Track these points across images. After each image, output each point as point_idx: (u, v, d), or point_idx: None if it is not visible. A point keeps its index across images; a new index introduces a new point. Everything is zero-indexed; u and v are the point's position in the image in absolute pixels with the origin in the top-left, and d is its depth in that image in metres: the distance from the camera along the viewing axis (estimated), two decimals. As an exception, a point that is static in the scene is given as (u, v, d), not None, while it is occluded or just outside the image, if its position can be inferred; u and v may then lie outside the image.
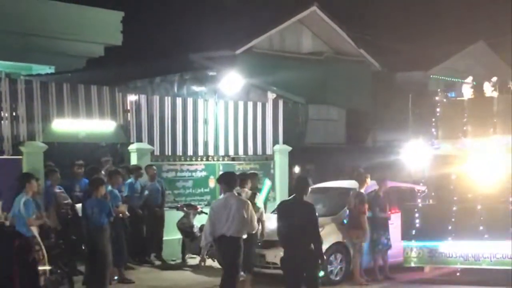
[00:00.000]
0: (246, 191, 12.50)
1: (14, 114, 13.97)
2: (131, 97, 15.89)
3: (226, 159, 17.42)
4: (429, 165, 14.06)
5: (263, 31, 21.85)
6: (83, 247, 12.20)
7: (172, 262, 15.22)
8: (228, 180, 10.72)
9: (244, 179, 12.74)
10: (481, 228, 12.78)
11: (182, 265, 14.94)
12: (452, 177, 13.46)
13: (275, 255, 12.50)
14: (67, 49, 22.27)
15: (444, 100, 14.05)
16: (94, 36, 23.10)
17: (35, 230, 11.00)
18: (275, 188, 17.63)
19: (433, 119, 13.98)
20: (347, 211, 13.51)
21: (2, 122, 13.85)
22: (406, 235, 13.47)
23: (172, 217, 15.25)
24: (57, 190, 13.43)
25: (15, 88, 14.00)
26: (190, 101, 16.88)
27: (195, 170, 16.76)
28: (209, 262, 13.77)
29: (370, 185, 13.70)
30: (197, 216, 15.16)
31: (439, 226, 13.17)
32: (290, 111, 20.09)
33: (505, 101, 13.46)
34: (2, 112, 13.87)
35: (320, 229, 10.02)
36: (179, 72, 17.44)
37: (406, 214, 13.63)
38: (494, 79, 13.91)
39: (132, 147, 15.75)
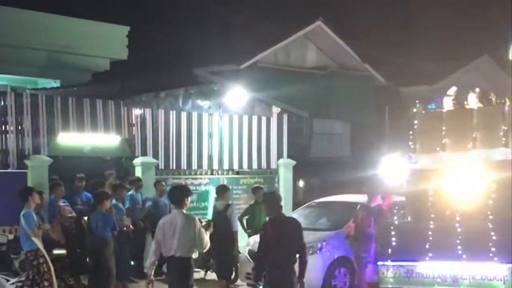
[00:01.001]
0: (222, 203, 12.55)
1: (19, 127, 14.05)
2: (136, 111, 15.94)
3: (230, 173, 17.45)
4: (407, 180, 13.16)
5: (268, 45, 21.94)
6: (87, 260, 12.21)
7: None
8: (174, 197, 9.70)
9: (221, 191, 12.78)
10: (459, 247, 11.91)
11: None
12: (429, 193, 12.59)
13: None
14: (72, 63, 22.37)
15: (423, 112, 13.18)
16: (100, 50, 23.20)
17: (39, 243, 11.02)
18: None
19: (410, 132, 13.10)
20: (352, 225, 13.47)
21: (8, 135, 13.93)
22: (381, 254, 12.61)
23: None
24: (61, 204, 13.45)
25: (21, 102, 14.10)
26: (195, 115, 16.93)
27: (200, 184, 16.79)
28: (213, 275, 13.76)
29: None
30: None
31: (416, 245, 12.28)
32: (295, 125, 20.13)
33: (484, 113, 12.60)
34: (7, 125, 13.95)
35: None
36: (184, 86, 17.49)
37: (382, 232, 12.81)
38: (477, 90, 13.13)
39: (137, 161, 15.78)
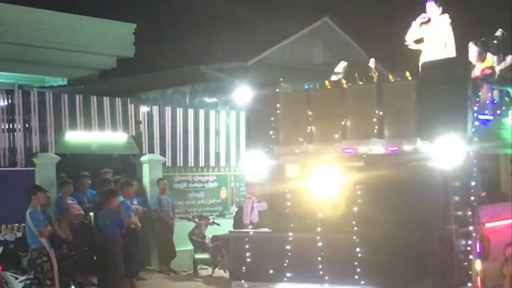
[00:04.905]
0: None
1: (27, 126, 14.06)
2: (143, 109, 15.96)
3: (237, 170, 17.44)
4: (268, 180, 10.72)
5: (275, 42, 21.88)
6: (95, 258, 12.24)
7: (184, 273, 15.23)
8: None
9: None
10: (320, 267, 9.28)
11: (193, 276, 14.94)
12: (288, 197, 9.97)
13: None
14: (79, 61, 22.36)
15: (288, 91, 10.53)
16: (107, 48, 23.18)
17: (44, 241, 11.05)
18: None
19: (272, 119, 10.26)
20: None
21: (15, 133, 13.95)
22: (234, 273, 10.21)
23: (184, 228, 15.27)
24: (69, 202, 13.49)
25: (28, 100, 14.11)
26: (202, 112, 16.92)
27: (207, 181, 16.80)
28: (221, 272, 13.79)
29: None
30: (209, 227, 15.18)
31: (274, 262, 9.68)
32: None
33: (356, 94, 9.82)
34: (15, 124, 13.97)
35: None
36: (191, 83, 17.51)
37: (235, 245, 10.26)
38: (343, 63, 10.91)
39: (144, 158, 15.80)
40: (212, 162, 17.00)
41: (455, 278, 8.80)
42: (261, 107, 10.65)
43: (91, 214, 13.63)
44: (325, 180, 9.69)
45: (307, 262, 9.42)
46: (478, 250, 8.90)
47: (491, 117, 9.49)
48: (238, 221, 13.22)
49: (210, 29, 23.78)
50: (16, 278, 11.64)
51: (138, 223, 13.31)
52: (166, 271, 15.01)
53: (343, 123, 9.64)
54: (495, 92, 9.65)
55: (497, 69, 10.49)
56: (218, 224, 15.11)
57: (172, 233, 15.23)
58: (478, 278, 8.89)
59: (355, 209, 9.32)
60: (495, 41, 10.70)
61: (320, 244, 9.34)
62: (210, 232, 15.00)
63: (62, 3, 22.71)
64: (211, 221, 15.27)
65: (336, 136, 9.64)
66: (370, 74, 10.32)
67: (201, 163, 16.82)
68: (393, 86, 9.57)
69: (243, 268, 9.86)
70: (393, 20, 10.81)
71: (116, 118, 15.29)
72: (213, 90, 17.77)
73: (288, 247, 9.56)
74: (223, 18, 25.21)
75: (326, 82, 10.38)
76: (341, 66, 10.91)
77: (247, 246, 9.90)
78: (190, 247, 15.18)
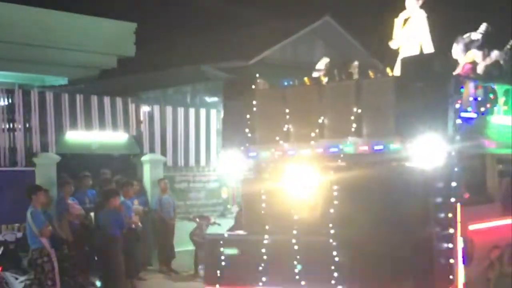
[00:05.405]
0: None
1: (27, 125, 14.03)
2: (144, 108, 15.92)
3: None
4: (242, 181, 10.49)
5: (276, 41, 21.84)
6: (96, 258, 12.20)
7: (185, 274, 15.18)
8: None
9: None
10: (296, 271, 8.95)
11: (194, 277, 14.88)
12: (263, 198, 9.58)
13: None
14: (80, 60, 22.33)
15: (265, 88, 10.19)
16: (107, 48, 23.14)
17: (45, 241, 11.01)
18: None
19: (248, 116, 9.91)
20: None
21: (16, 133, 13.91)
22: (208, 278, 9.83)
23: (185, 228, 15.22)
24: (70, 202, 13.44)
25: (28, 99, 14.08)
26: (203, 111, 16.87)
27: (208, 181, 16.75)
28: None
29: None
30: (210, 227, 15.11)
31: (249, 267, 9.32)
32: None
33: (334, 91, 9.45)
34: (15, 123, 13.93)
35: None
36: (192, 82, 17.46)
37: (209, 249, 9.95)
38: (325, 59, 10.63)
39: (145, 158, 15.75)
40: (213, 162, 16.94)
41: (435, 283, 8.39)
42: (236, 104, 10.19)
43: (92, 214, 13.58)
44: (302, 181, 9.37)
45: (283, 266, 9.10)
46: (461, 253, 8.46)
47: (474, 115, 9.03)
48: (239, 221, 13.15)
49: (211, 28, 23.76)
50: (17, 279, 11.60)
51: (139, 223, 13.26)
52: (167, 272, 14.97)
53: (320, 121, 9.30)
54: (479, 89, 9.24)
55: (482, 64, 10.13)
56: (219, 224, 15.05)
57: (173, 234, 15.18)
58: (461, 282, 8.44)
59: (332, 210, 8.95)
60: (479, 36, 10.39)
61: (296, 247, 9.02)
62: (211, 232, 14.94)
63: (63, 3, 22.69)
64: (212, 221, 15.20)
65: (313, 134, 9.31)
66: (349, 71, 9.91)
67: (202, 162, 16.77)
68: (372, 83, 9.18)
69: (218, 272, 9.55)
70: (395, 19, 10.71)
71: (117, 117, 15.25)
72: (214, 90, 17.72)
73: (263, 250, 9.24)
74: (224, 17, 25.20)
75: (305, 78, 10.10)
76: (322, 63, 10.63)
77: (221, 250, 9.54)
78: (191, 247, 15.12)
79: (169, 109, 16.30)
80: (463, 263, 8.47)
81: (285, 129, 9.61)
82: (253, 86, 10.08)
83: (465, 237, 8.53)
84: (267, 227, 9.37)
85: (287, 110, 9.58)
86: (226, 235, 10.04)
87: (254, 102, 9.88)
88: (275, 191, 9.52)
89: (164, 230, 15.12)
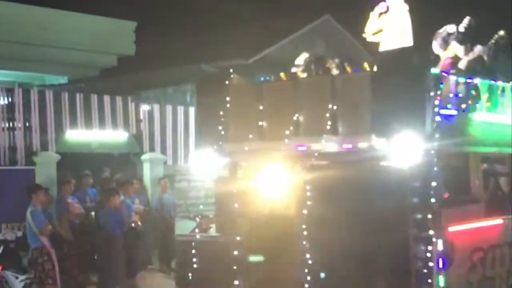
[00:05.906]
0: None
1: (27, 124, 14.02)
2: (144, 107, 15.92)
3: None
4: (215, 179, 10.17)
5: (276, 40, 21.82)
6: (96, 257, 12.18)
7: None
8: None
9: None
10: (269, 274, 8.77)
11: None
12: (234, 199, 9.26)
13: None
14: (80, 59, 22.27)
15: (238, 83, 9.82)
16: (107, 46, 23.09)
17: (45, 240, 11.00)
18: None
19: (221, 113, 9.55)
20: None
21: (16, 132, 13.89)
22: (180, 280, 9.75)
23: (185, 227, 15.18)
24: (70, 201, 13.42)
25: (28, 98, 14.07)
26: (203, 110, 16.87)
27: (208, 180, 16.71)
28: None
29: None
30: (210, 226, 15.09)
31: (221, 268, 9.15)
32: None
33: (310, 87, 9.03)
34: (15, 122, 13.92)
35: None
36: (192, 81, 17.44)
37: (180, 250, 9.84)
38: (305, 55, 10.28)
39: (145, 157, 15.74)
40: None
41: (413, 287, 8.07)
42: (210, 101, 10.12)
43: (93, 213, 13.56)
44: (275, 180, 9.02)
45: (255, 269, 8.85)
46: (440, 256, 8.08)
47: (455, 112, 8.65)
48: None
49: (211, 27, 23.72)
50: (17, 278, 11.59)
51: (139, 222, 13.25)
52: (167, 271, 14.95)
53: (295, 118, 8.91)
54: (461, 85, 8.89)
55: (465, 60, 9.85)
56: (219, 223, 15.03)
57: (173, 233, 15.14)
58: (440, 287, 8.10)
59: (305, 211, 8.54)
60: (455, 29, 10.13)
61: (268, 249, 8.76)
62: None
63: (63, 2, 22.65)
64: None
65: (288, 132, 8.91)
66: (327, 66, 9.54)
67: (203, 161, 16.74)
68: (348, 78, 8.88)
69: (189, 274, 9.31)
70: (371, 12, 10.53)
71: (117, 116, 15.24)
72: (214, 88, 17.69)
73: (235, 252, 8.96)
74: (224, 16, 25.15)
75: (281, 74, 9.72)
76: (302, 58, 10.24)
77: (193, 251, 9.32)
78: (192, 246, 15.11)
79: (169, 108, 16.29)
80: (443, 266, 8.10)
81: (259, 126, 9.27)
82: (227, 82, 9.70)
83: (444, 239, 8.14)
84: (237, 230, 9.09)
85: (261, 107, 9.23)
86: (197, 236, 9.70)
87: (228, 99, 9.50)
88: (247, 191, 9.17)
89: (164, 229, 15.09)
